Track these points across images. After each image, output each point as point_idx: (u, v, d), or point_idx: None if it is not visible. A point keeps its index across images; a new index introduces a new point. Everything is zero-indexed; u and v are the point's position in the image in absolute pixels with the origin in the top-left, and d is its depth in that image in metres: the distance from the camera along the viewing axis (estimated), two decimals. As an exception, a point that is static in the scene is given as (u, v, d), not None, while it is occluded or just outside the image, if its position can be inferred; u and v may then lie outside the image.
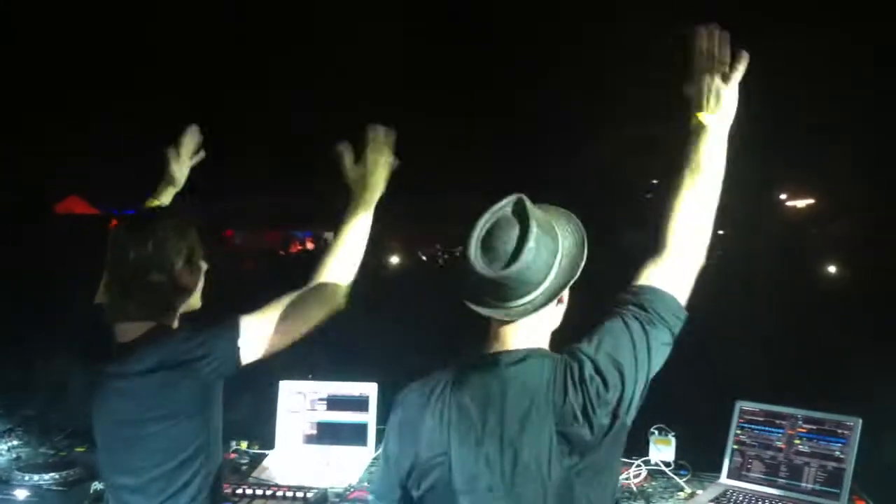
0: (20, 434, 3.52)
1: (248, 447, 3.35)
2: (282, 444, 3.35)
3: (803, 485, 2.82)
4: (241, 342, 2.08)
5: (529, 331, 1.79)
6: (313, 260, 2.30)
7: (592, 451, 1.69)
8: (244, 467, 3.20)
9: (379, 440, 3.37)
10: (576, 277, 1.77)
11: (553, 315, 1.82)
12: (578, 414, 1.67)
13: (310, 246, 27.27)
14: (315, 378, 3.44)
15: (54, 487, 2.94)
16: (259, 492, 2.89)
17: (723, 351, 7.31)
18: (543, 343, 1.82)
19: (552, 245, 1.75)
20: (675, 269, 1.82)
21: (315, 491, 2.89)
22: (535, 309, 1.75)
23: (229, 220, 23.21)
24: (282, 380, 3.40)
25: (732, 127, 1.91)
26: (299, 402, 3.38)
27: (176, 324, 2.18)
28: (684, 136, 1.91)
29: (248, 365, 2.11)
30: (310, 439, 3.36)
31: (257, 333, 2.11)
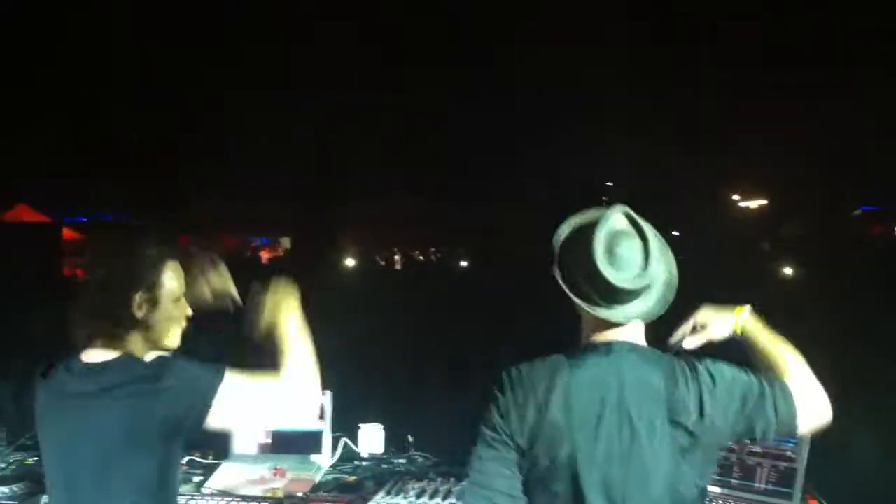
0: (-32, 448, 3.43)
1: (202, 457, 3.31)
2: (236, 454, 3.32)
3: (756, 485, 2.85)
4: (216, 400, 2.00)
5: (634, 329, 1.96)
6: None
7: (698, 438, 1.86)
8: (198, 477, 3.16)
9: (334, 448, 3.35)
10: (675, 278, 1.97)
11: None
12: (690, 404, 1.86)
13: (266, 255, 27.03)
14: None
15: (4, 501, 2.88)
16: (213, 502, 2.87)
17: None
18: (642, 339, 1.99)
19: (665, 254, 1.96)
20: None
21: (270, 501, 2.87)
22: (649, 312, 1.94)
23: (184, 227, 22.96)
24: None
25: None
26: (253, 411, 3.34)
27: (145, 356, 2.09)
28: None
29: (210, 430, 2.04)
30: (264, 448, 3.33)
31: (235, 399, 2.03)
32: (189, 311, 2.20)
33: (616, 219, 1.92)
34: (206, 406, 1.99)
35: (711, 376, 1.90)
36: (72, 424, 2.04)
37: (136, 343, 2.09)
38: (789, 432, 2.02)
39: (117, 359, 2.05)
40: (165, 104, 22.77)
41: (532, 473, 1.90)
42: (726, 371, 1.93)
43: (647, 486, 1.83)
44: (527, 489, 1.92)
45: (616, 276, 1.87)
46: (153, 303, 2.10)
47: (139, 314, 2.08)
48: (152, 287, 2.10)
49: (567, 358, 1.94)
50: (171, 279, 2.15)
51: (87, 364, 2.06)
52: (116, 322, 2.06)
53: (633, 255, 1.89)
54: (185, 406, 1.98)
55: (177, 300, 2.16)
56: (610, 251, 1.89)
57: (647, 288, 1.91)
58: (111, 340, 2.07)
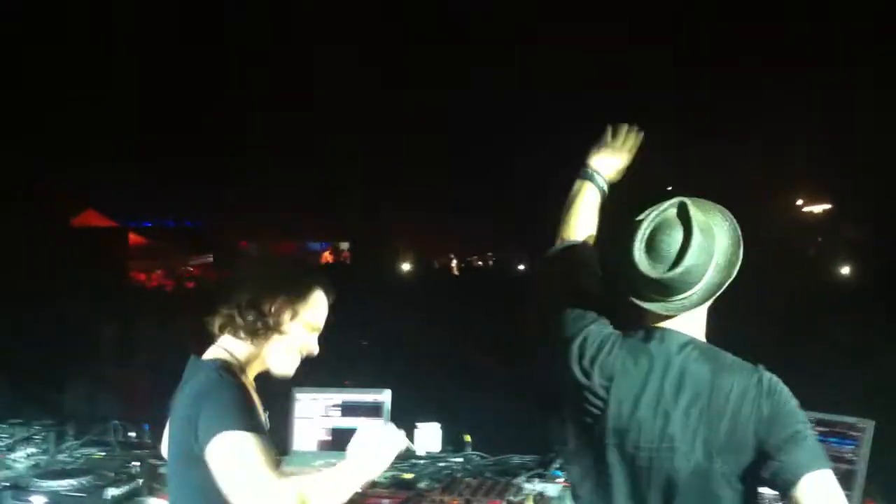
0: (38, 441, 3.56)
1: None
2: (295, 450, 3.39)
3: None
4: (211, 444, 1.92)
5: (686, 322, 1.93)
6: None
7: (729, 446, 1.81)
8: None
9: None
10: (733, 277, 1.90)
11: (706, 311, 1.97)
12: (727, 413, 1.80)
13: (326, 259, 27.26)
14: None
15: (72, 493, 2.98)
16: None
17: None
18: (700, 332, 1.96)
19: (712, 247, 1.88)
20: None
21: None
22: (693, 306, 1.90)
23: (243, 232, 23.33)
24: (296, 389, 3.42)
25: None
26: (313, 409, 3.41)
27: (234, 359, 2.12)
28: None
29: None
30: (323, 445, 3.39)
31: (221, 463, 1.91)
32: (314, 351, 2.21)
33: (666, 210, 1.90)
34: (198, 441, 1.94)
35: (775, 397, 1.82)
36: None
37: (251, 349, 2.13)
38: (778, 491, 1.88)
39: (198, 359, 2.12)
40: (221, 111, 23.12)
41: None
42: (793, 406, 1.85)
43: (675, 473, 1.83)
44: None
45: (648, 267, 1.86)
46: (290, 313, 2.13)
47: (271, 318, 2.11)
48: (295, 298, 2.14)
49: (620, 336, 1.96)
50: (318, 305, 2.19)
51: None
52: (256, 316, 2.09)
53: (670, 247, 1.86)
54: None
55: (312, 330, 2.19)
56: (648, 243, 1.88)
57: (683, 280, 1.86)
58: (235, 333, 2.12)
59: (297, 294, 2.14)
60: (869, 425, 2.79)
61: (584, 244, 2.18)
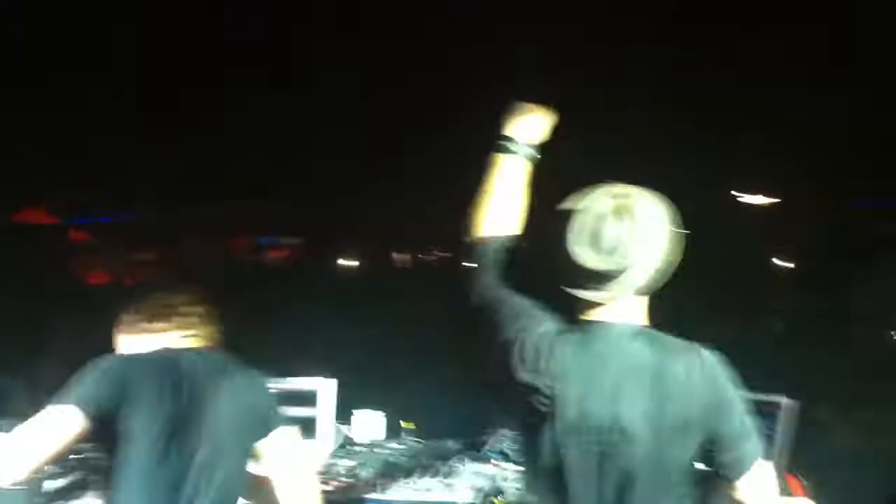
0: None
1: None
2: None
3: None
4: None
5: (628, 310, 1.92)
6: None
7: (678, 429, 1.84)
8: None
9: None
10: (673, 263, 1.90)
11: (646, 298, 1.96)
12: (674, 396, 1.82)
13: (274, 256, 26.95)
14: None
15: (8, 487, 2.96)
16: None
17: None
18: (641, 318, 1.95)
19: (653, 235, 1.87)
20: None
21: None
22: (637, 294, 1.90)
23: (188, 228, 22.94)
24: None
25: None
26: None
27: None
28: None
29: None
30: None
31: None
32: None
33: (601, 201, 1.90)
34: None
35: (719, 380, 1.87)
36: None
37: None
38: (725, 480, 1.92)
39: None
40: (168, 104, 22.67)
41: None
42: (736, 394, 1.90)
43: (628, 462, 1.85)
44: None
45: (589, 259, 1.86)
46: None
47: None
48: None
49: (560, 329, 1.94)
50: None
51: None
52: None
53: (609, 238, 1.85)
54: None
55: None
56: (587, 234, 1.87)
57: (622, 271, 1.86)
58: None
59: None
60: (784, 402, 2.90)
61: (493, 240, 2.11)
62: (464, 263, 2.13)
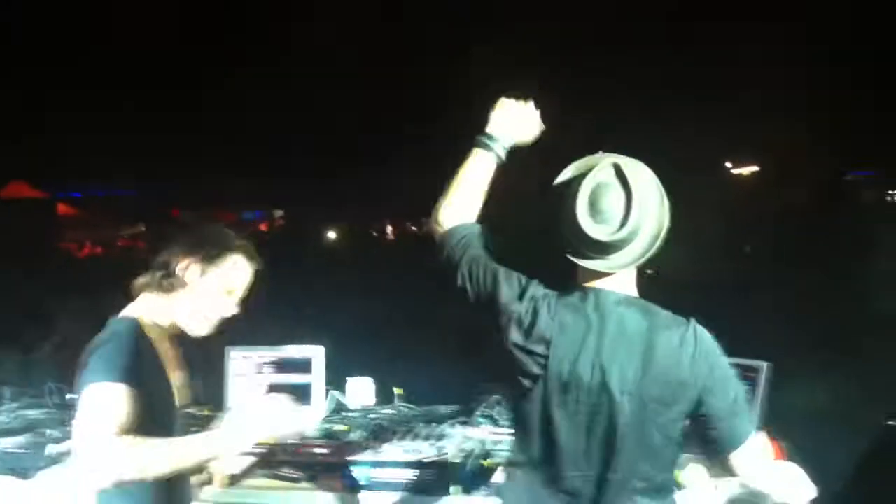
0: None
1: (198, 410, 3.48)
2: (231, 407, 3.48)
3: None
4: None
5: (621, 280, 2.00)
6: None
7: (666, 398, 1.92)
8: (194, 429, 3.33)
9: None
10: (665, 233, 1.98)
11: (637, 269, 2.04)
12: (663, 366, 1.91)
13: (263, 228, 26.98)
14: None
15: (14, 451, 3.05)
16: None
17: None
18: (633, 289, 2.03)
19: (648, 206, 1.95)
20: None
21: (264, 447, 3.04)
22: (632, 263, 1.98)
23: (176, 200, 22.95)
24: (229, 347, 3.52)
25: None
26: (246, 367, 3.53)
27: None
28: None
29: None
30: (258, 401, 3.49)
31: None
32: (230, 312, 2.24)
33: (603, 171, 1.96)
34: None
35: (710, 354, 1.95)
36: None
37: (161, 306, 2.20)
38: (718, 454, 2.01)
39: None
40: (162, 79, 22.56)
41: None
42: (726, 364, 1.98)
43: (615, 427, 1.92)
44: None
45: (595, 230, 1.93)
46: (198, 272, 2.19)
47: (178, 274, 2.18)
48: (205, 258, 2.19)
49: (557, 295, 2.02)
50: (233, 269, 2.23)
51: None
52: (164, 273, 2.18)
53: (613, 209, 1.92)
54: None
55: (227, 293, 2.23)
56: (592, 204, 1.94)
57: (627, 240, 1.93)
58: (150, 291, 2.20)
59: (206, 254, 2.19)
60: (762, 366, 3.00)
61: (457, 227, 2.18)
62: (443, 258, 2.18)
